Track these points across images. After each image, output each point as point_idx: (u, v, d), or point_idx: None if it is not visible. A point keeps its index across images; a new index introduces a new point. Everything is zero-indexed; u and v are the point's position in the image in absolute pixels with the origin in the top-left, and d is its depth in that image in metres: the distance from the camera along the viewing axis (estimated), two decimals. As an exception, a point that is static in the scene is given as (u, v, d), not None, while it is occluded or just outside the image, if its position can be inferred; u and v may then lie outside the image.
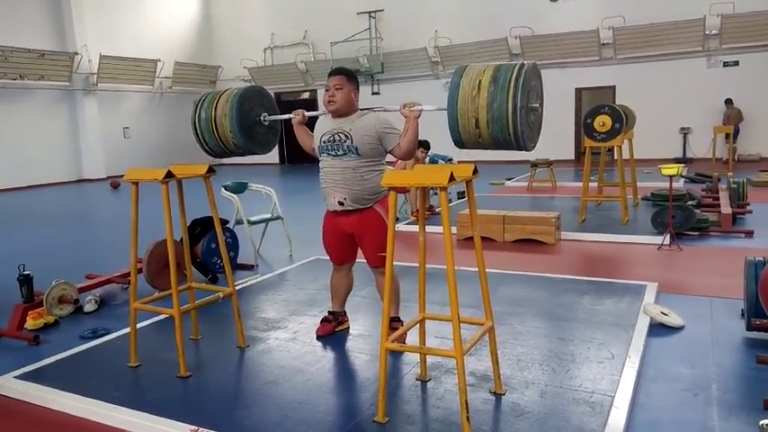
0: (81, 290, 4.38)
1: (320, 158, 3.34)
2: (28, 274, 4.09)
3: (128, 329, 3.38)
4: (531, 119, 2.66)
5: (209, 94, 3.64)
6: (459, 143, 2.81)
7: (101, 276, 4.74)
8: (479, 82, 2.57)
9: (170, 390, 2.98)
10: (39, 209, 11.54)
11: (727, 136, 12.24)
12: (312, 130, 3.45)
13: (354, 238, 3.37)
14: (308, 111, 3.55)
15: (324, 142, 3.28)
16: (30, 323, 3.93)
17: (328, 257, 3.58)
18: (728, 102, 13.65)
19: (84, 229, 9.10)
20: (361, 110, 3.30)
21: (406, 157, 3.22)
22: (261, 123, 3.61)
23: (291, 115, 3.51)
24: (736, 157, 13.42)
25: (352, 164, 3.20)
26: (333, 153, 3.25)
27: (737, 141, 13.29)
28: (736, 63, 13.79)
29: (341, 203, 3.26)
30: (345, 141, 3.20)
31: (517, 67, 2.58)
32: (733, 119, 13.52)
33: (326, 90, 3.25)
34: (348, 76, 3.27)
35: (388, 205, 2.52)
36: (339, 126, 3.23)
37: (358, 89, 3.33)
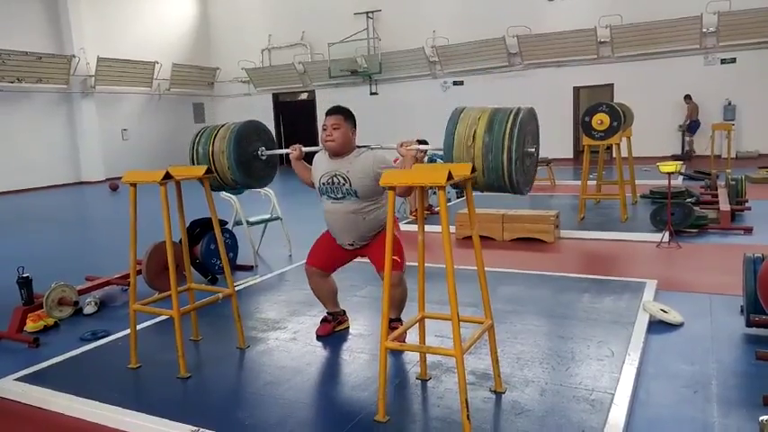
0: (81, 292, 4.38)
1: (321, 199, 3.40)
2: (27, 277, 4.09)
3: (128, 331, 3.38)
4: (526, 164, 2.68)
5: (206, 130, 3.59)
6: (454, 185, 2.82)
7: (100, 278, 4.74)
8: (474, 131, 2.58)
9: (170, 391, 2.98)
10: (37, 211, 11.53)
11: (686, 130, 13.80)
12: (310, 163, 3.49)
13: (364, 255, 3.45)
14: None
15: (323, 184, 3.33)
16: (29, 325, 3.93)
17: (308, 262, 3.54)
18: (687, 97, 13.99)
19: (84, 232, 9.10)
20: (358, 147, 3.33)
21: (403, 195, 3.21)
22: (259, 158, 3.62)
23: (289, 150, 3.54)
24: (693, 150, 13.92)
25: (353, 207, 3.27)
26: (333, 196, 3.31)
27: (695, 135, 14.14)
28: (734, 60, 13.81)
29: (350, 245, 3.39)
30: (344, 185, 3.25)
31: (512, 115, 2.57)
32: (694, 113, 13.98)
33: (324, 129, 3.28)
34: (345, 115, 3.29)
35: (388, 204, 2.52)
36: (337, 168, 3.27)
37: (355, 127, 3.35)
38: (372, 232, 3.35)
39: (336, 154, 3.28)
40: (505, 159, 2.51)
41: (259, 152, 3.59)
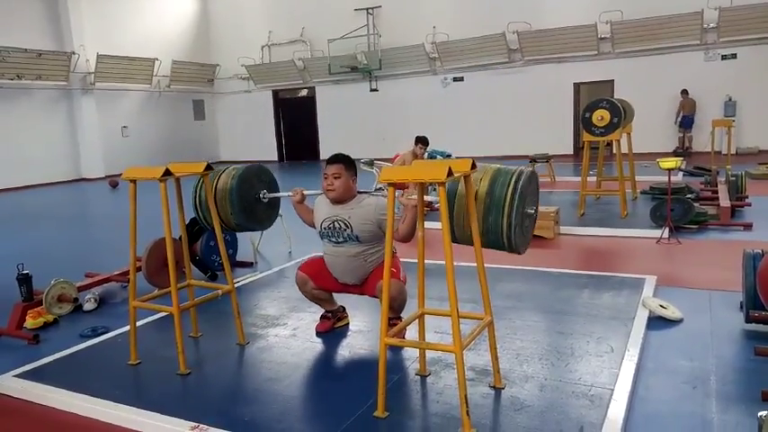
0: (80, 288, 4.39)
1: (322, 242, 3.44)
2: (27, 273, 4.09)
3: (127, 327, 3.39)
4: (525, 224, 2.70)
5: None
6: (453, 240, 2.82)
7: (100, 275, 4.74)
8: (476, 192, 2.59)
9: (170, 387, 2.98)
10: (37, 208, 11.53)
11: (680, 125, 14.01)
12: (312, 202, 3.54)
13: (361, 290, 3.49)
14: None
15: (324, 228, 3.36)
16: (29, 322, 3.94)
17: (301, 268, 3.56)
18: (684, 92, 14.03)
19: (83, 228, 9.10)
20: (359, 193, 3.36)
21: (404, 241, 3.21)
22: (260, 200, 3.64)
23: (290, 194, 3.55)
24: (691, 145, 14.02)
25: (354, 251, 3.31)
26: (334, 240, 3.35)
27: (692, 131, 14.20)
28: (734, 56, 13.77)
29: (350, 283, 3.44)
30: (345, 230, 3.29)
31: (513, 179, 2.59)
32: (687, 107, 14.01)
33: (325, 177, 3.31)
34: (346, 164, 3.31)
35: (388, 201, 2.52)
36: (338, 213, 3.31)
37: (356, 175, 3.38)
38: (370, 271, 3.38)
39: (338, 202, 3.33)
40: (505, 224, 2.56)
41: (261, 195, 3.63)
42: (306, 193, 3.56)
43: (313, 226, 3.53)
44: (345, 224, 3.29)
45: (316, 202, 3.52)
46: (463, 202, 2.61)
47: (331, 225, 3.33)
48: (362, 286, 3.44)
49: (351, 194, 3.33)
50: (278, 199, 3.80)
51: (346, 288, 3.51)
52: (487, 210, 2.58)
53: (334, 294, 3.66)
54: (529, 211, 2.70)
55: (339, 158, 3.33)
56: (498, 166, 2.73)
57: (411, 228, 3.10)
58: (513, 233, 2.56)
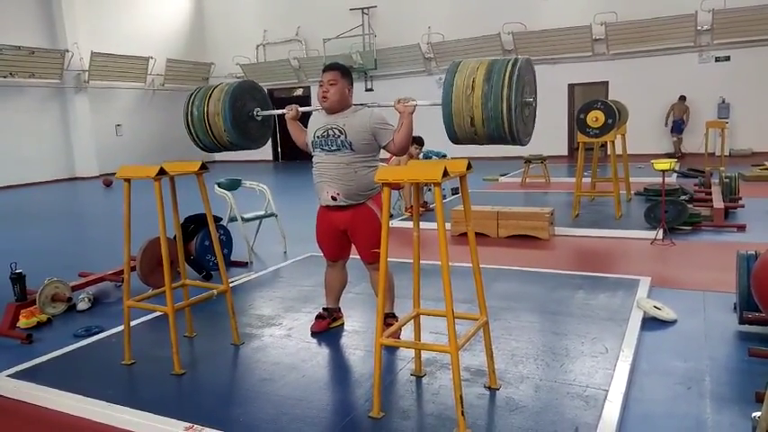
0: (74, 288, 4.37)
1: (313, 154, 3.34)
2: (20, 273, 4.06)
3: (121, 327, 3.37)
4: (525, 114, 2.66)
5: (200, 90, 3.57)
6: (455, 140, 2.82)
7: (94, 274, 4.71)
8: (473, 80, 2.56)
9: (164, 387, 2.97)
10: (31, 207, 11.47)
11: (672, 129, 14.12)
12: (305, 126, 3.44)
13: (348, 234, 3.37)
14: (301, 107, 3.54)
15: (317, 137, 3.27)
16: (22, 322, 3.91)
17: (322, 254, 3.58)
18: (682, 98, 14.12)
19: (77, 227, 9.06)
20: (355, 105, 3.29)
21: (400, 153, 3.23)
22: (254, 118, 3.57)
23: (285, 111, 3.49)
24: (680, 149, 13.93)
25: (346, 159, 3.20)
26: (326, 148, 3.24)
27: (683, 134, 14.23)
28: (728, 58, 13.85)
29: (334, 198, 3.26)
30: (339, 137, 3.19)
31: (510, 64, 2.57)
32: (678, 112, 14.12)
33: (320, 85, 3.25)
34: (342, 71, 3.26)
35: (382, 202, 2.52)
36: (333, 121, 3.23)
37: (352, 85, 3.32)
38: (359, 192, 3.24)
39: (333, 111, 3.25)
40: (505, 107, 2.51)
41: (254, 113, 3.55)
42: (301, 109, 3.49)
43: (304, 146, 3.44)
44: (340, 131, 3.19)
45: (310, 119, 3.42)
46: (461, 100, 2.57)
47: (325, 133, 3.24)
48: (352, 226, 3.28)
49: (346, 104, 3.26)
50: (271, 118, 3.71)
51: (341, 227, 3.32)
52: (486, 97, 2.52)
53: (342, 291, 3.64)
54: (527, 99, 2.65)
55: (335, 65, 3.28)
56: (494, 57, 2.71)
57: (407, 136, 3.09)
58: (514, 116, 2.50)
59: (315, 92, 22.03)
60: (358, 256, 3.45)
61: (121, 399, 2.78)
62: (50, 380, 3.02)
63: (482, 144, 2.72)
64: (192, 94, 3.56)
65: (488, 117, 2.53)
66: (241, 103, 3.47)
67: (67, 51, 15.38)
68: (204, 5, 19.93)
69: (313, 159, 3.35)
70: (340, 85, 3.21)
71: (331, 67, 3.26)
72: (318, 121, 3.32)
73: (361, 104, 3.31)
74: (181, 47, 18.98)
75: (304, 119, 3.51)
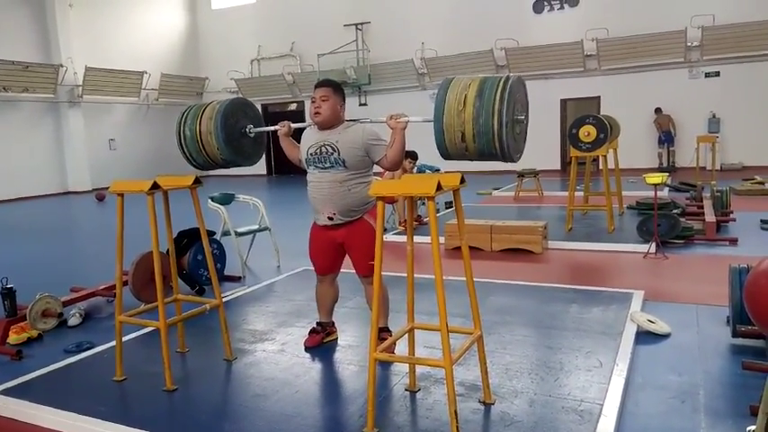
0: (65, 303, 4.33)
1: (307, 171, 3.35)
2: (11, 288, 4.03)
3: (113, 343, 3.33)
4: (516, 131, 2.68)
5: (192, 109, 3.56)
6: (446, 155, 2.83)
7: (86, 289, 4.68)
8: (465, 96, 2.59)
9: (156, 404, 2.94)
10: (23, 221, 11.40)
11: (659, 141, 14.33)
12: (298, 142, 3.45)
13: (344, 247, 3.37)
14: (294, 122, 3.54)
15: (310, 154, 3.28)
16: (12, 338, 3.87)
17: (313, 268, 3.57)
18: (658, 110, 14.32)
19: (69, 242, 9.00)
20: (347, 121, 3.30)
21: (393, 168, 3.24)
22: (247, 135, 3.58)
23: (277, 127, 3.50)
24: (673, 161, 14.13)
25: (340, 177, 3.20)
26: (320, 166, 3.25)
27: (674, 146, 14.38)
28: (718, 74, 14.03)
29: (330, 218, 3.27)
30: (332, 154, 3.20)
31: (502, 81, 2.60)
32: (663, 124, 14.27)
33: (312, 101, 3.27)
34: (334, 87, 3.28)
35: (377, 215, 2.53)
36: (326, 138, 3.23)
37: (344, 101, 3.33)
38: (355, 209, 3.25)
39: (325, 126, 3.25)
40: (496, 123, 2.52)
41: (247, 129, 3.55)
42: (293, 125, 3.49)
43: (297, 162, 3.45)
44: (333, 148, 3.19)
45: (303, 135, 3.41)
46: (453, 115, 2.58)
47: (318, 150, 3.24)
48: (349, 239, 3.29)
49: (338, 120, 3.26)
50: (264, 135, 3.71)
51: (337, 241, 3.33)
52: (477, 112, 2.54)
53: (334, 304, 3.62)
54: (519, 117, 2.67)
55: (327, 82, 3.29)
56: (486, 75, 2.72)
57: (400, 151, 3.09)
58: (505, 132, 2.51)
59: (308, 107, 22.16)
60: (351, 271, 3.44)
61: (113, 415, 2.75)
62: (41, 397, 2.99)
63: (473, 160, 2.73)
64: (183, 114, 3.54)
65: (479, 132, 2.55)
66: (233, 121, 3.47)
67: (62, 66, 15.38)
68: (199, 20, 20.03)
69: (307, 177, 3.35)
70: (332, 101, 3.22)
71: (323, 84, 3.28)
72: (311, 137, 3.32)
73: (354, 120, 3.31)
74: (175, 62, 19.03)
75: (297, 134, 3.52)
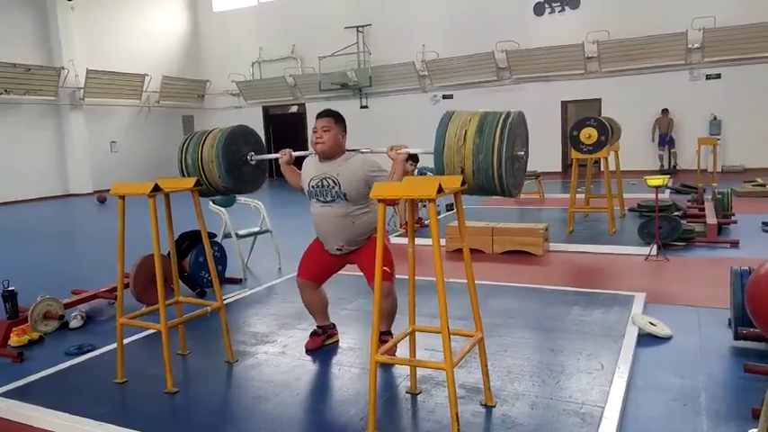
0: (66, 305, 4.33)
1: (310, 202, 3.38)
2: (12, 290, 4.03)
3: (114, 345, 3.33)
4: (516, 167, 2.69)
5: (193, 137, 3.54)
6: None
7: (87, 292, 4.68)
8: (465, 132, 2.59)
9: (157, 406, 2.94)
10: (24, 224, 11.41)
11: (660, 143, 14.34)
12: (299, 164, 3.48)
13: (354, 263, 3.41)
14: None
15: (312, 187, 3.32)
16: (14, 340, 3.87)
17: (300, 275, 3.51)
18: (665, 111, 14.34)
19: (71, 244, 9.01)
20: (348, 151, 3.33)
21: (392, 203, 3.21)
22: (248, 163, 3.60)
23: (278, 155, 3.52)
24: (675, 164, 14.10)
25: (342, 210, 3.25)
26: (322, 199, 3.29)
27: (675, 147, 14.41)
28: (719, 76, 14.03)
29: (339, 250, 3.34)
30: (334, 187, 3.24)
31: (502, 117, 2.60)
32: (663, 126, 14.28)
33: (314, 131, 3.28)
34: (336, 118, 3.29)
35: (378, 218, 2.52)
36: (327, 171, 3.26)
37: (345, 131, 3.35)
38: (361, 237, 3.32)
39: (326, 157, 3.27)
40: (495, 160, 2.52)
41: (248, 157, 3.56)
42: (294, 153, 3.50)
43: (300, 189, 3.46)
44: (334, 181, 3.22)
45: (304, 163, 3.44)
46: (453, 151, 2.58)
47: (319, 183, 3.26)
48: (357, 256, 3.34)
49: (340, 150, 3.28)
50: (266, 162, 3.71)
51: (341, 261, 3.39)
52: (477, 149, 2.55)
53: (327, 306, 3.62)
54: (519, 153, 2.67)
55: (329, 112, 3.30)
56: (486, 110, 2.72)
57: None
58: (504, 170, 2.52)
59: (310, 109, 22.08)
60: (351, 273, 3.44)
61: (114, 418, 2.75)
62: (42, 399, 2.99)
63: (471, 194, 2.73)
64: (185, 142, 3.54)
65: (478, 169, 2.57)
66: (235, 149, 3.49)
67: (63, 69, 15.41)
68: (200, 23, 20.06)
69: (310, 209, 3.39)
70: (334, 131, 3.24)
71: (324, 114, 3.30)
72: (312, 169, 3.35)
73: (354, 150, 3.34)
74: (176, 64, 19.06)
75: (298, 161, 3.53)
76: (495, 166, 2.53)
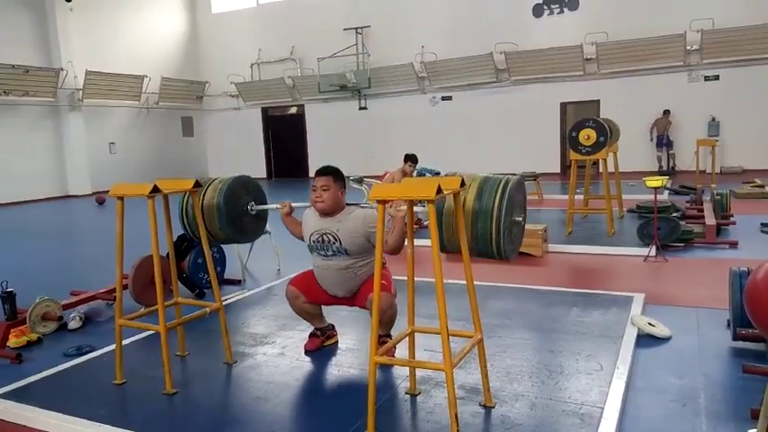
0: (65, 306, 4.33)
1: (311, 255, 3.42)
2: (11, 291, 4.03)
3: (113, 346, 3.33)
4: (513, 232, 2.71)
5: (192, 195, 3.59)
6: (443, 249, 2.84)
7: (86, 293, 4.68)
8: (464, 198, 2.61)
9: (156, 407, 2.93)
10: (23, 225, 11.40)
11: (657, 144, 14.31)
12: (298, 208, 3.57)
13: (352, 305, 3.50)
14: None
15: (313, 242, 3.35)
16: (12, 341, 3.87)
17: (292, 283, 3.52)
18: (666, 112, 14.34)
19: (69, 246, 9.00)
20: (348, 206, 3.36)
21: (393, 253, 3.19)
22: (248, 213, 3.63)
23: (278, 206, 3.55)
24: (673, 165, 14.02)
25: (344, 264, 3.30)
26: (323, 254, 3.33)
27: (673, 149, 14.39)
28: (717, 78, 14.04)
29: (340, 296, 3.43)
30: (334, 243, 3.27)
31: (501, 184, 2.61)
32: (661, 127, 14.29)
33: (313, 190, 3.31)
34: (334, 176, 3.31)
35: (377, 219, 2.52)
36: (327, 226, 3.29)
37: (345, 187, 3.38)
38: (361, 283, 3.37)
39: (326, 214, 3.31)
40: (494, 229, 2.55)
41: (249, 207, 3.61)
42: (294, 205, 3.57)
43: (301, 238, 3.50)
44: (334, 237, 3.27)
45: (304, 214, 3.49)
46: (452, 218, 2.60)
47: (320, 238, 3.31)
48: (353, 298, 3.42)
49: (339, 206, 3.31)
50: (266, 211, 3.78)
51: (337, 300, 3.48)
52: (476, 216, 2.57)
53: (325, 308, 3.63)
54: (517, 218, 2.69)
55: (328, 170, 3.32)
56: (486, 174, 2.73)
57: (400, 239, 3.10)
58: (502, 239, 2.55)
59: (309, 110, 22.04)
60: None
61: (112, 419, 2.75)
62: (40, 400, 2.98)
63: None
64: (185, 195, 3.55)
65: (477, 236, 2.60)
66: (235, 199, 3.53)
67: (62, 70, 15.40)
68: (199, 24, 20.06)
69: (312, 261, 3.44)
70: (333, 189, 3.26)
71: (323, 172, 3.31)
72: (312, 222, 3.37)
73: (354, 204, 3.38)
74: (175, 65, 19.05)
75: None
76: (493, 234, 2.59)
